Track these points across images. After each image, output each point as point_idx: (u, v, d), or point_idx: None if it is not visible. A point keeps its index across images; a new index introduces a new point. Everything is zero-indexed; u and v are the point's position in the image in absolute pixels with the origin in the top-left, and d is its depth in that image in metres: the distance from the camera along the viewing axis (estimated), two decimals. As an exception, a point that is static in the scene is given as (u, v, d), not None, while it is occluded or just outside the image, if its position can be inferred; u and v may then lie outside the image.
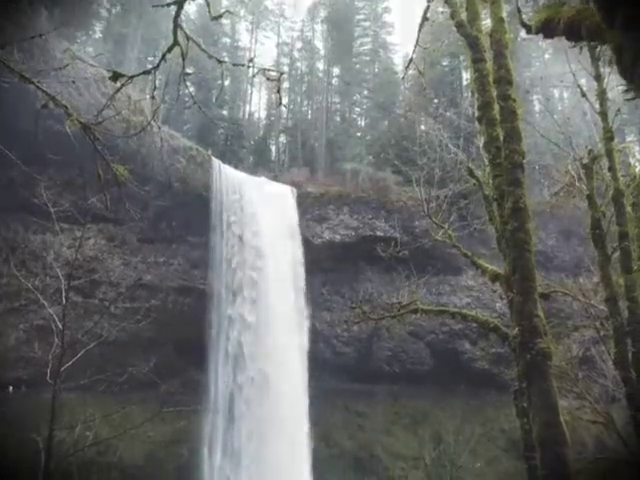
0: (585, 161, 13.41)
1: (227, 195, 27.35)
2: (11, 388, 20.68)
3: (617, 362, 11.99)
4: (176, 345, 26.23)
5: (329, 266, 30.96)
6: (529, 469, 10.40)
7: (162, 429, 23.25)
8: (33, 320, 22.20)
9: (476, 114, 10.52)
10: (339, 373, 29.56)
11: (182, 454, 24.84)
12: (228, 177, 28.08)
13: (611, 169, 12.67)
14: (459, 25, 10.25)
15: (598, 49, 11.46)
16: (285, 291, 26.40)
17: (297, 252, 28.17)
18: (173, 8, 6.29)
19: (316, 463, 24.75)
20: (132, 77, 6.44)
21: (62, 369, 10.37)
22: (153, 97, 7.36)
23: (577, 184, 14.52)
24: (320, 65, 48.58)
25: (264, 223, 27.19)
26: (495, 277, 10.97)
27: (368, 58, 47.84)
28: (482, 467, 25.83)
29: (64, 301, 11.20)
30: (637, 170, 14.44)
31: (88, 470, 17.27)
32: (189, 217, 26.39)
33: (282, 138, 46.90)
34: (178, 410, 17.73)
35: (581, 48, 9.05)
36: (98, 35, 37.12)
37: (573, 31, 4.60)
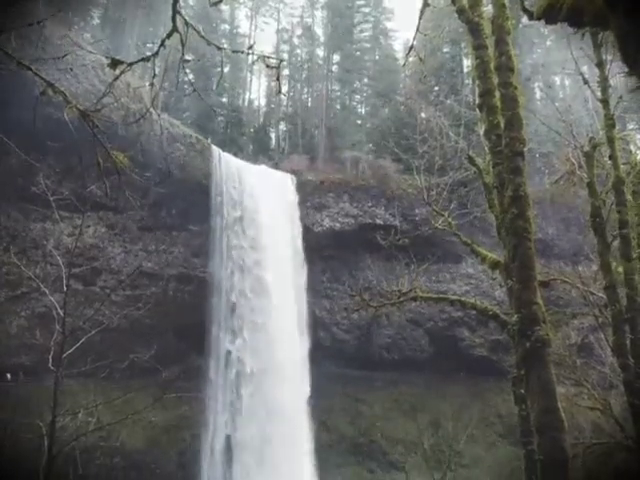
0: (586, 149, 13.37)
1: (228, 214, 26.44)
2: (9, 375, 20.72)
3: (615, 349, 12.07)
4: (177, 332, 26.38)
5: (329, 254, 31.01)
6: (526, 454, 10.52)
7: (164, 415, 23.48)
8: (34, 308, 22.31)
9: (477, 101, 10.46)
10: (339, 360, 29.77)
11: (184, 439, 25.12)
12: (229, 166, 27.94)
13: (612, 157, 12.63)
14: (460, 11, 10.15)
15: (600, 35, 11.38)
16: (291, 336, 25.08)
17: (301, 281, 27.20)
18: (172, -6, 6.21)
19: (316, 448, 25.04)
20: (131, 64, 6.39)
21: (64, 356, 10.44)
22: (152, 84, 7.31)
23: (578, 172, 14.49)
24: (320, 52, 48.19)
25: (268, 255, 26.05)
26: (495, 265, 10.99)
27: (368, 45, 47.42)
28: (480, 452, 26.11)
29: (65, 289, 11.22)
30: (638, 158, 14.40)
31: (91, 455, 17.50)
32: (189, 205, 26.38)
33: (282, 126, 46.67)
34: (179, 396, 17.88)
35: (583, 34, 8.99)
36: (96, 21, 36.73)
37: (576, 17, 4.56)
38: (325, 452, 25.89)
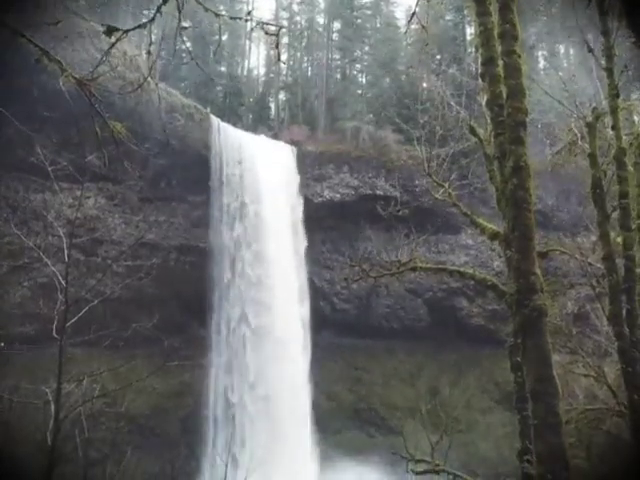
0: (589, 119, 13.21)
1: (227, 183, 26.32)
2: (2, 344, 20.87)
3: (611, 318, 12.21)
4: (178, 302, 26.70)
5: (329, 224, 31.07)
6: (521, 419, 10.79)
7: (167, 382, 23.98)
8: (37, 278, 22.51)
9: (479, 70, 10.29)
10: (339, 329, 30.21)
11: (187, 405, 25.72)
12: (228, 136, 27.68)
13: (614, 127, 12.49)
14: (464, -24, 9.90)
15: (607, 3, 11.12)
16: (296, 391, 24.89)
17: (300, 249, 27.27)
18: (168, -42, 6.06)
19: (317, 415, 25.64)
20: (127, 31, 6.26)
21: (67, 325, 10.59)
22: (149, 52, 7.20)
23: (580, 143, 14.36)
24: (320, 19, 47.08)
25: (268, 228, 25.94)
26: (494, 236, 11.03)
27: (369, 12, 46.23)
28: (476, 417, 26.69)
29: (66, 259, 11.28)
30: (640, 128, 14.25)
31: (97, 420, 17.93)
32: (189, 176, 26.28)
33: (282, 95, 45.97)
34: (182, 364, 18.18)
35: (589, 2, 8.79)
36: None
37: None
38: (325, 418, 26.55)
